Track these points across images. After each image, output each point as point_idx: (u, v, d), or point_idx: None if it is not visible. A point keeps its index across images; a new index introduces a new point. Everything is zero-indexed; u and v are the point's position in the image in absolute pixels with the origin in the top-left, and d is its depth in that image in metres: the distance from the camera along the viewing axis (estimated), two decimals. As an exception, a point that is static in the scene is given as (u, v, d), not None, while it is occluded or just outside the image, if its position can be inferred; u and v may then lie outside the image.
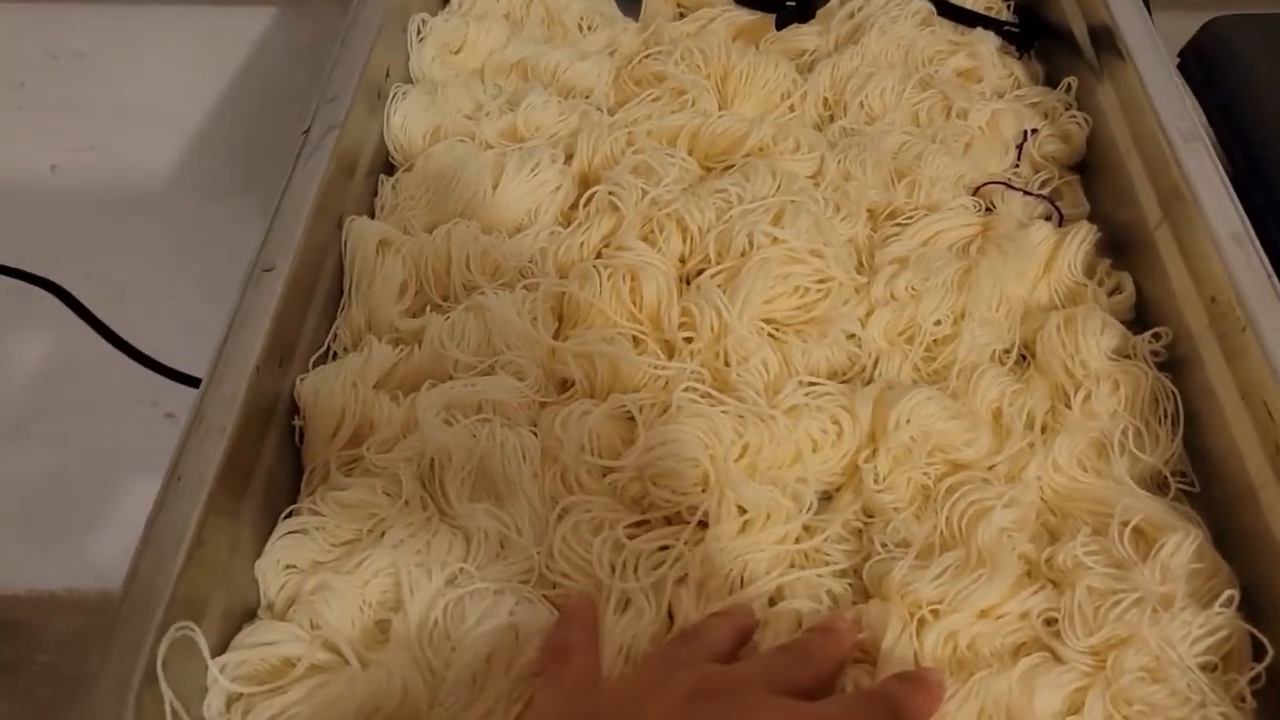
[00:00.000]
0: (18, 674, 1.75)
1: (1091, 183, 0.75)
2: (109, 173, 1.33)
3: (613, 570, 0.54)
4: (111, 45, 1.23)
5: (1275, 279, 0.56)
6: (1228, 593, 0.51)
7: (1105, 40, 0.75)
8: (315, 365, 0.61)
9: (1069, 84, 0.78)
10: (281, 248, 0.60)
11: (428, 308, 0.66)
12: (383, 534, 0.55)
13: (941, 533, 0.55)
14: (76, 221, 1.35)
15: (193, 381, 0.92)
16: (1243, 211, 0.59)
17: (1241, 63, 0.83)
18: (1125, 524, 0.54)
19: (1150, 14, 0.81)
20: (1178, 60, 0.87)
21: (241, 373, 0.54)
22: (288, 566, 0.54)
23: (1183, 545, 0.53)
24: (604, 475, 0.57)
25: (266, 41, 1.23)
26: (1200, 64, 0.85)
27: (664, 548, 0.55)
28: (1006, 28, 0.84)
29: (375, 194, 0.73)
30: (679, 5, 0.91)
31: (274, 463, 0.57)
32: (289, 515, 0.56)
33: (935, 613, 0.52)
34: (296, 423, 0.59)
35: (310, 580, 0.53)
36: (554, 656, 0.50)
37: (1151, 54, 0.71)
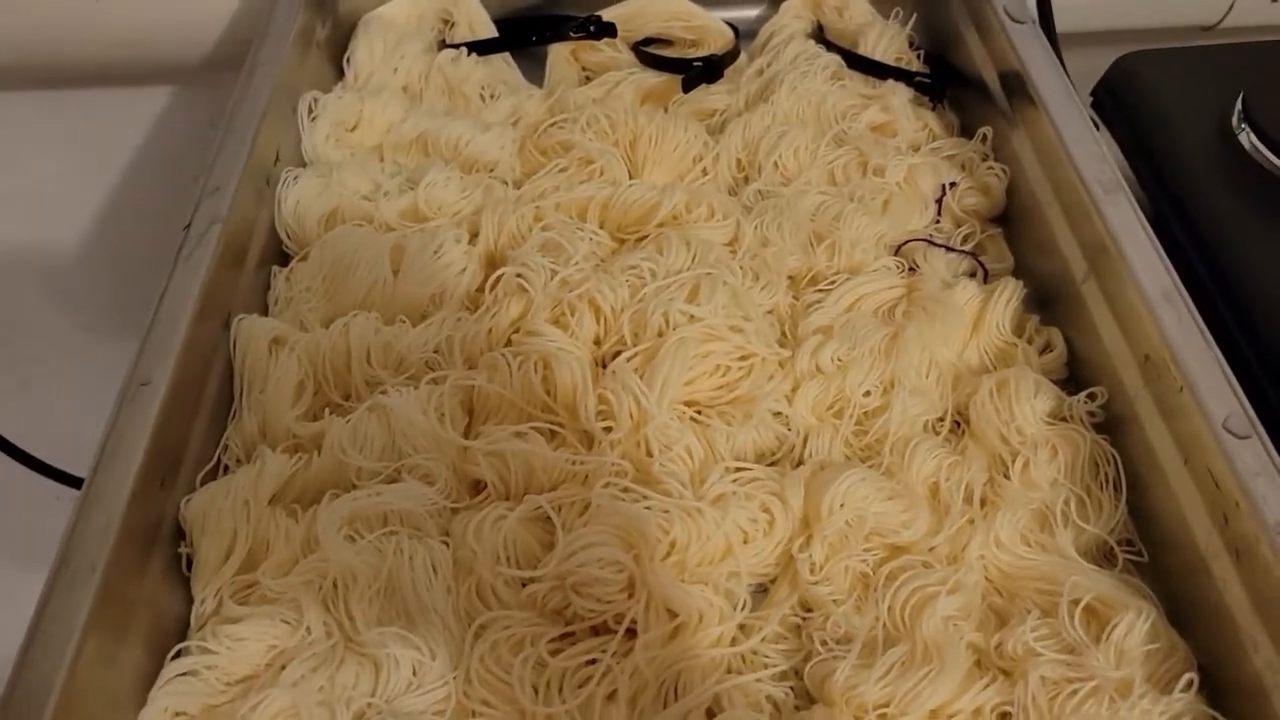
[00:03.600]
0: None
1: (1014, 235, 0.73)
2: (10, 262, 1.27)
3: (536, 693, 0.50)
4: (7, 131, 1.17)
5: (1209, 337, 0.54)
6: (1186, 676, 0.48)
7: (1016, 87, 0.74)
8: (204, 482, 0.57)
9: (984, 134, 0.77)
10: (160, 357, 0.55)
11: (327, 409, 0.61)
12: (282, 668, 0.50)
13: (885, 625, 0.52)
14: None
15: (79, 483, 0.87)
16: (1170, 265, 0.57)
17: (1154, 98, 0.82)
18: (1075, 603, 0.51)
19: (1060, 54, 0.80)
20: (1090, 99, 0.86)
21: (115, 502, 0.49)
22: (176, 715, 0.49)
23: (1136, 625, 0.50)
24: (523, 586, 0.53)
25: (166, 120, 1.18)
26: (1113, 100, 0.85)
27: (591, 662, 0.51)
28: (918, 79, 0.82)
29: (268, 287, 0.68)
30: (584, 69, 0.88)
31: (159, 597, 0.52)
32: (177, 655, 0.51)
33: (883, 716, 0.48)
34: (183, 549, 0.54)
35: (201, 730, 0.48)
36: None
37: (1063, 99, 0.70)
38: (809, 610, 0.54)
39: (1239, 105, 0.74)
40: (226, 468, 0.59)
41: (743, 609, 0.54)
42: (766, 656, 0.53)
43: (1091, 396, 0.60)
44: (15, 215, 1.23)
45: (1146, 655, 0.49)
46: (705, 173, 0.77)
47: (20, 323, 1.30)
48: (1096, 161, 0.64)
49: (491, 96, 0.84)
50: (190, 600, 0.54)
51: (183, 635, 0.52)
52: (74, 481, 0.90)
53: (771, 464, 0.60)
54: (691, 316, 0.62)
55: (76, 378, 1.33)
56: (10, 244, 1.25)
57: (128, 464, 0.51)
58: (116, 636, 0.48)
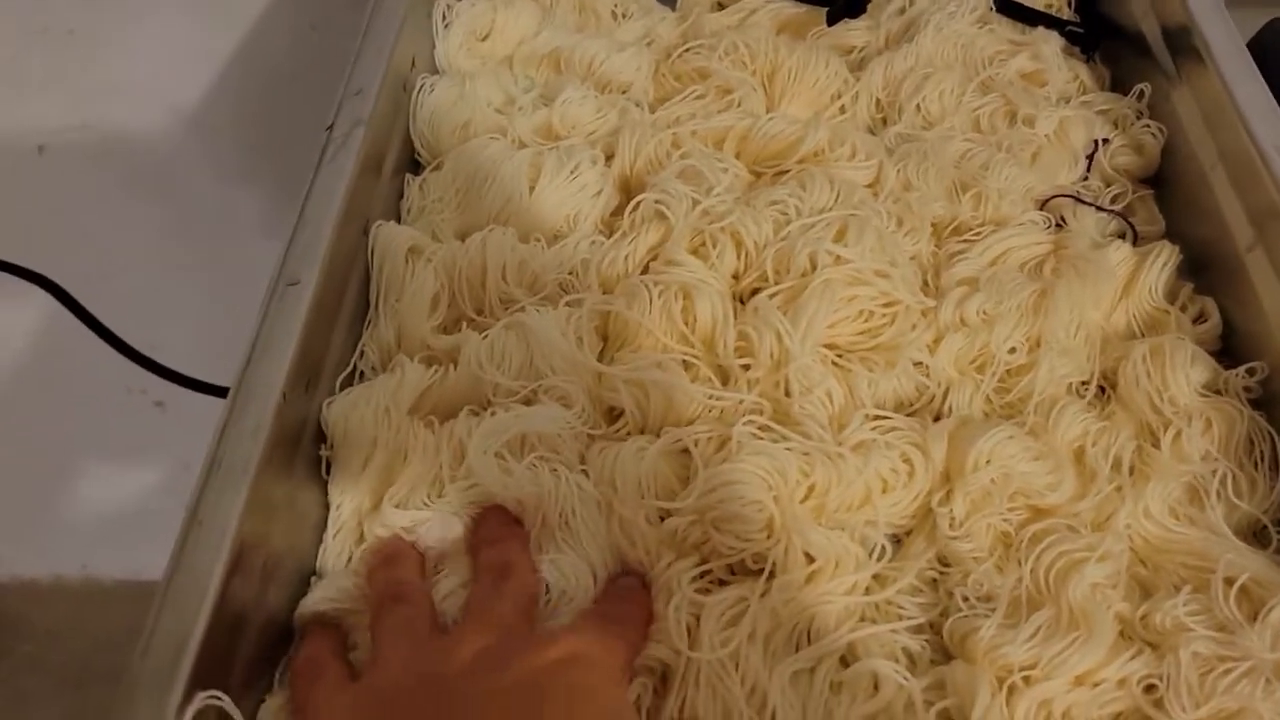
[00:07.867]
0: (0, 663, 1.69)
1: (1166, 198, 0.70)
2: (100, 154, 1.27)
3: (689, 633, 0.49)
4: (103, 22, 1.16)
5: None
6: (1349, 666, 0.47)
7: (1181, 42, 0.70)
8: (343, 388, 0.56)
9: (1141, 90, 0.73)
10: (307, 259, 0.55)
11: (461, 323, 0.61)
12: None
13: (1028, 587, 0.51)
14: (66, 205, 1.29)
15: (189, 382, 0.87)
16: (1353, 241, 0.55)
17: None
18: (1230, 582, 0.50)
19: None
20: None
21: (266, 403, 0.49)
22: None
23: (1295, 609, 0.48)
24: (661, 520, 0.52)
25: (267, 20, 1.17)
26: (1261, 66, 0.81)
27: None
28: (1069, 28, 0.79)
29: (401, 195, 0.68)
30: (718, -6, 0.85)
31: (298, 499, 0.52)
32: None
33: (1027, 679, 0.47)
34: (323, 452, 0.54)
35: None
36: (390, 597, 0.48)
37: (1236, 57, 0.66)
38: (946, 565, 0.53)
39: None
40: (363, 374, 0.59)
41: (879, 558, 0.53)
42: (902, 608, 0.52)
43: (1251, 371, 0.58)
44: (111, 105, 1.22)
45: (1305, 641, 0.48)
46: (843, 110, 0.75)
47: (116, 212, 1.30)
48: (1274, 124, 0.61)
49: (624, 16, 0.82)
50: (326, 505, 0.54)
51: (319, 539, 0.53)
52: (161, 370, 0.91)
53: (910, 414, 0.59)
54: (838, 258, 0.60)
55: (163, 268, 1.33)
56: (109, 131, 1.24)
57: (278, 364, 0.50)
58: (259, 538, 0.48)
